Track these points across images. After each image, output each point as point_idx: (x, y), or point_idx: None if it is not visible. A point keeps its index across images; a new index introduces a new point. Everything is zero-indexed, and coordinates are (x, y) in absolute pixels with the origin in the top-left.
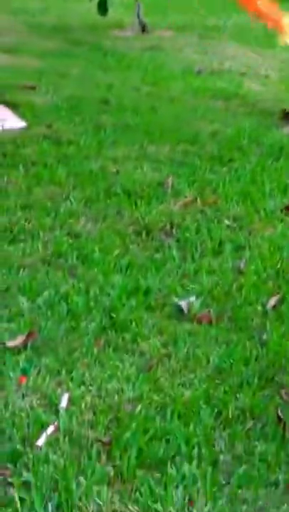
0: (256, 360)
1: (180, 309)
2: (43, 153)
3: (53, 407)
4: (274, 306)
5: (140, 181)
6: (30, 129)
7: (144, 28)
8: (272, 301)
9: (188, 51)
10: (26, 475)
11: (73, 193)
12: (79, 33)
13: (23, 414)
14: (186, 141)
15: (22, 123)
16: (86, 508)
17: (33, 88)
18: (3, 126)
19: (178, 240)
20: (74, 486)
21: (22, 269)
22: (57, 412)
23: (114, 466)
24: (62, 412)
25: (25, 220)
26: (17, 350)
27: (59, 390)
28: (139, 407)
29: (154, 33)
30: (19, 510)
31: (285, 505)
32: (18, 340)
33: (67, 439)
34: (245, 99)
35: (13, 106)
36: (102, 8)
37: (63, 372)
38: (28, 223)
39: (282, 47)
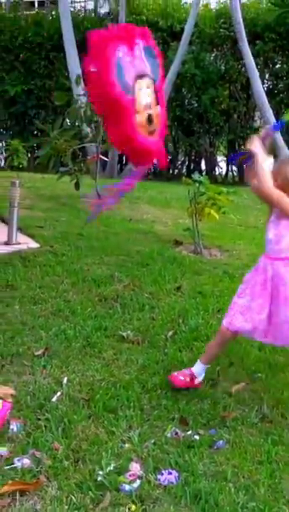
0: (162, 362)
1: (123, 337)
2: (48, 260)
3: (59, 383)
4: (171, 336)
5: (100, 275)
6: (42, 248)
7: (99, 197)
8: (170, 333)
9: (124, 209)
10: (47, 415)
11: (65, 280)
12: (64, 199)
13: (44, 386)
14: (123, 255)
15: (37, 244)
16: (77, 430)
17: (41, 227)
18: (27, 246)
19: (121, 304)
20: (71, 420)
21: (41, 317)
22: (61, 385)
23: (91, 411)
24: (64, 385)
25: (41, 293)
26: (40, 356)
27: (62, 375)
28: (103, 383)
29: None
30: (44, 431)
31: (179, 430)
32: (40, 351)
33: (67, 398)
34: (155, 234)
35: (32, 236)
36: (77, 186)
37: (63, 367)
38: (43, 294)
39: (174, 207)
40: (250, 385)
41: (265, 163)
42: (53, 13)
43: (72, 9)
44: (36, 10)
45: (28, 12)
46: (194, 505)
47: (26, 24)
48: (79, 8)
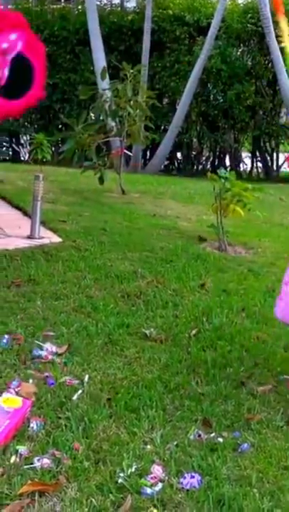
0: (185, 361)
1: (146, 334)
2: (71, 255)
3: (80, 381)
4: (195, 334)
5: (123, 270)
6: (64, 242)
7: (123, 192)
8: (193, 332)
9: (148, 205)
10: (67, 413)
11: (88, 275)
12: (88, 194)
13: (65, 384)
14: (147, 250)
15: (60, 239)
16: (97, 429)
17: (64, 221)
18: (50, 241)
19: (144, 301)
20: (92, 419)
21: (62, 313)
22: (83, 383)
23: (113, 410)
24: (85, 383)
25: (63, 288)
26: (61, 353)
27: (83, 373)
28: (124, 382)
29: (129, 194)
30: (64, 430)
31: (202, 432)
32: (62, 349)
33: (88, 396)
34: (179, 230)
35: (54, 231)
36: (101, 180)
37: (85, 364)
38: (65, 290)
39: (198, 202)
40: (275, 386)
41: None
42: (79, 7)
43: (98, 3)
44: (63, 4)
45: (54, 6)
46: (217, 510)
47: (52, 18)
48: (105, 2)
